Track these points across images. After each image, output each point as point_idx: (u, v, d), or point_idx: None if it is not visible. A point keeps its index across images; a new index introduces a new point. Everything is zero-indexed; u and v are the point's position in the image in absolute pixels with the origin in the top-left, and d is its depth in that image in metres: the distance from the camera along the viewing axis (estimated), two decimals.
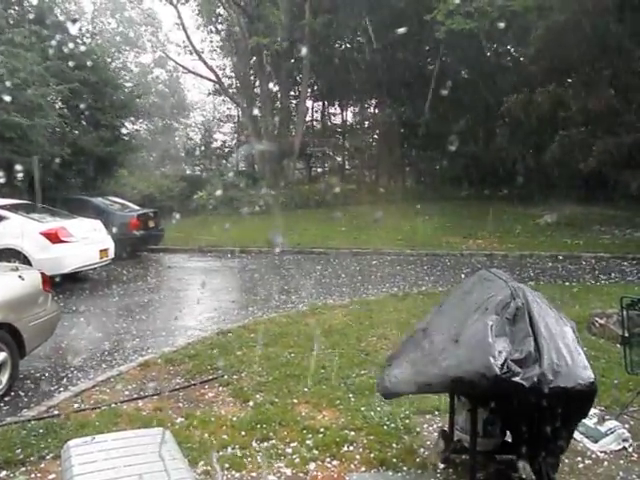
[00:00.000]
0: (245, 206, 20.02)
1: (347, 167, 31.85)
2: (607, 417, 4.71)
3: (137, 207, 14.81)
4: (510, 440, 3.85)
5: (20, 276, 5.66)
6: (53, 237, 9.89)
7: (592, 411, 4.52)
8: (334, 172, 30.82)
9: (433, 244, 14.50)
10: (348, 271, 12.05)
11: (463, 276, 10.58)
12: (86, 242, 10.48)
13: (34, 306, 5.76)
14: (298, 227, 17.02)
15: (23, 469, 4.01)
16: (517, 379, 3.12)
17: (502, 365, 3.14)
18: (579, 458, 4.24)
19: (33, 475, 3.95)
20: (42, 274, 6.03)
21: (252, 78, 27.55)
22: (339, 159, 31.48)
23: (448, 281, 10.64)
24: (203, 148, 30.34)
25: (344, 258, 13.40)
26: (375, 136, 29.60)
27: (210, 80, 29.48)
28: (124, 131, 20.82)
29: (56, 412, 5.00)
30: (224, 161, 28.72)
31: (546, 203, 18.25)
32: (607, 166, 16.63)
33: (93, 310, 8.95)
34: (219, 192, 21.43)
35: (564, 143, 17.54)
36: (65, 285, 9.61)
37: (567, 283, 10.40)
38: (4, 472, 3.98)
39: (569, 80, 19.02)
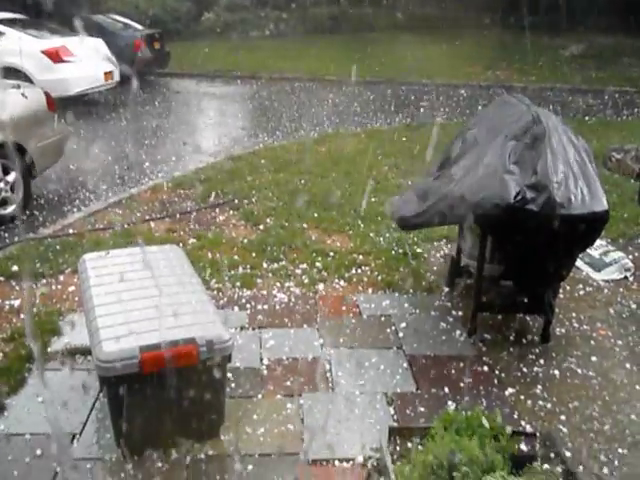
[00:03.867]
0: (255, 30, 18.97)
1: None
2: (613, 248, 4.78)
3: (141, 27, 14.03)
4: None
5: (23, 94, 5.47)
6: (54, 56, 9.44)
7: (598, 242, 4.58)
8: None
9: (450, 74, 13.89)
10: (361, 100, 11.68)
11: (479, 108, 10.24)
12: (89, 63, 10.04)
13: (40, 126, 5.65)
14: (310, 53, 16.26)
15: (44, 281, 4.18)
16: (530, 206, 3.07)
17: (517, 194, 3.08)
18: (580, 286, 4.36)
19: (54, 287, 4.12)
20: (46, 93, 5.84)
21: None
22: None
23: (463, 113, 10.33)
24: None
25: (357, 87, 12.92)
26: None
27: None
28: None
29: (71, 231, 5.11)
30: None
31: (573, 33, 17.16)
32: None
33: (101, 134, 8.84)
34: (227, 14, 20.19)
35: None
36: (71, 108, 9.40)
37: (587, 117, 10.08)
38: (27, 283, 4.14)
39: None
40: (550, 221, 3.00)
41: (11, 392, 3.05)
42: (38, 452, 2.65)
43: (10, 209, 5.34)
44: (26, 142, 5.34)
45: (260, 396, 3.06)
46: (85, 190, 6.33)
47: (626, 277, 4.51)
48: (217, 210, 5.59)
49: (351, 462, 2.66)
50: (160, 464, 2.61)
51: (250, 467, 2.61)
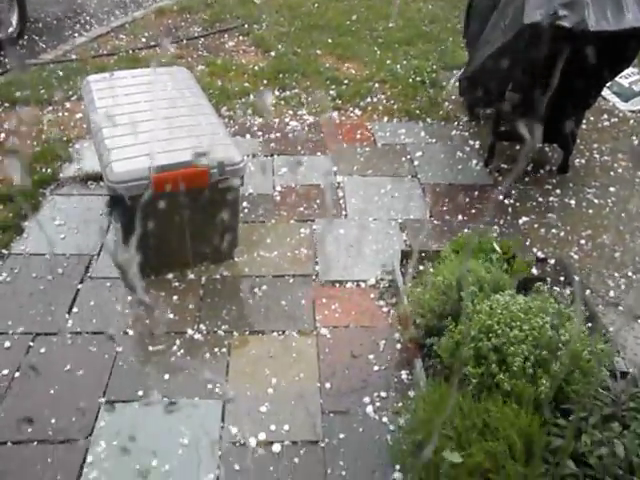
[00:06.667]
0: None
1: None
2: None
3: None
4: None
5: None
6: None
7: (629, 70, 4.32)
8: None
9: None
10: None
11: None
12: None
13: None
14: None
15: (50, 108, 4.06)
16: (563, 23, 2.83)
17: (549, 12, 2.83)
18: (605, 116, 4.18)
19: (60, 114, 4.01)
20: None
21: None
22: None
23: None
24: None
25: None
26: None
27: None
28: None
29: (74, 56, 4.88)
30: None
31: None
32: None
33: None
34: None
35: None
36: None
37: None
38: (33, 109, 4.03)
39: None
40: (584, 38, 2.78)
41: (27, 216, 3.08)
42: (59, 270, 2.73)
43: (6, 30, 5.05)
44: None
45: (273, 221, 3.08)
46: (85, 14, 5.95)
47: None
48: (226, 35, 5.28)
49: (364, 283, 2.71)
50: (177, 283, 2.69)
51: (264, 287, 2.68)
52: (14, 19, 5.08)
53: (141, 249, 2.58)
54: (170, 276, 2.72)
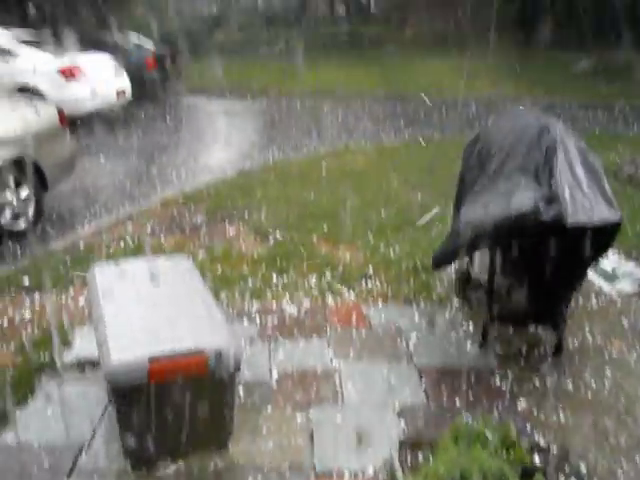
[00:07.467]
0: (264, 47, 19.14)
1: (372, 8, 29.85)
2: (625, 261, 4.73)
3: (153, 45, 14.17)
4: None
5: (36, 110, 5.54)
6: (68, 74, 9.57)
7: (611, 255, 4.55)
8: (358, 13, 28.99)
9: (459, 89, 13.90)
10: (371, 116, 11.73)
11: (489, 122, 10.23)
12: (102, 82, 10.15)
13: (52, 142, 5.70)
14: (319, 70, 16.36)
15: (55, 293, 4.18)
16: (542, 218, 3.05)
17: (528, 207, 3.07)
18: (593, 298, 4.30)
19: (64, 299, 4.13)
20: (58, 109, 5.90)
21: None
22: None
23: (473, 128, 10.32)
24: None
25: (366, 102, 12.98)
26: None
27: None
28: None
29: (82, 245, 5.13)
30: None
31: (583, 48, 17.13)
32: None
33: (113, 151, 8.92)
34: (237, 32, 20.45)
35: None
36: (83, 126, 9.49)
37: (597, 132, 10.04)
38: (38, 295, 4.16)
39: None
40: (562, 232, 2.97)
41: (20, 402, 3.04)
42: (46, 463, 2.64)
43: (22, 224, 5.36)
44: (39, 158, 5.39)
45: (269, 408, 3.04)
46: (97, 205, 6.36)
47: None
48: (227, 223, 5.60)
49: (362, 474, 2.62)
50: (168, 475, 2.59)
51: (259, 478, 2.58)
52: (30, 212, 5.43)
53: (134, 439, 2.55)
54: (162, 466, 2.62)
